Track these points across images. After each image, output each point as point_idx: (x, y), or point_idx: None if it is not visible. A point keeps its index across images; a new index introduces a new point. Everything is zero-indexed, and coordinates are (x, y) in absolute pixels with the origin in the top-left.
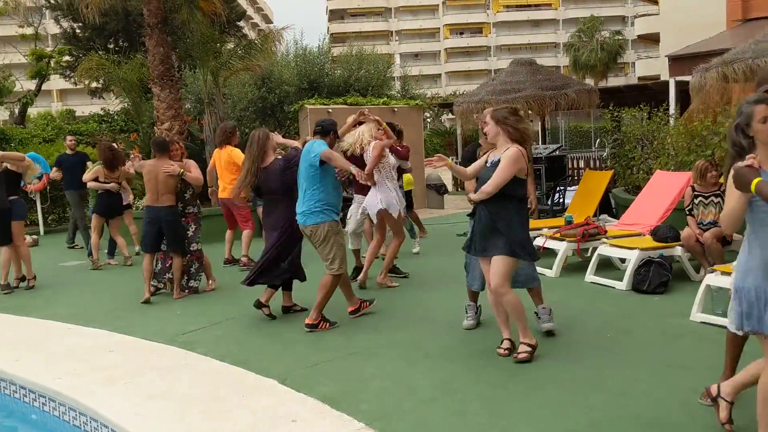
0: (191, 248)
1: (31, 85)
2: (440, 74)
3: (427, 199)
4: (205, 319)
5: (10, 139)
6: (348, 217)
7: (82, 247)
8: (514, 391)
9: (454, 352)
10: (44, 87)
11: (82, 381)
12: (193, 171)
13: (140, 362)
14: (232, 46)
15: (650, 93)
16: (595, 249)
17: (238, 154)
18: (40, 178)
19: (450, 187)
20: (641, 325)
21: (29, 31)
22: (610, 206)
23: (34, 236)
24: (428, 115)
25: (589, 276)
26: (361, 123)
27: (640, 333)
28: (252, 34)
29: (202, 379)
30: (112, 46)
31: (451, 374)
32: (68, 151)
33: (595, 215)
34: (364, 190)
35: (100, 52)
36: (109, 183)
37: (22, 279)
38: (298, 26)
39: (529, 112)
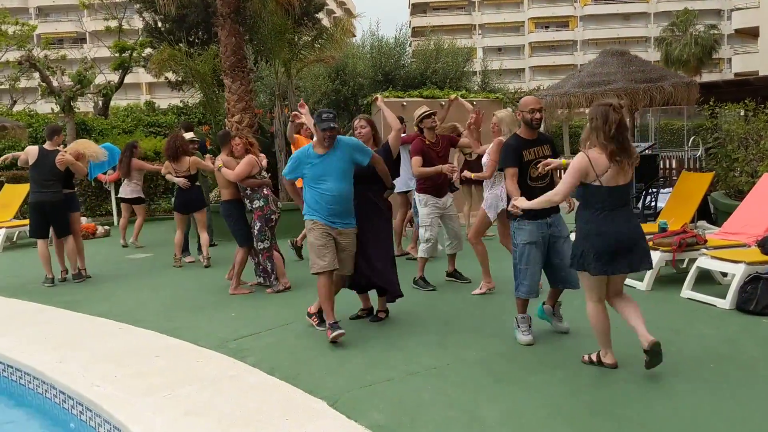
0: (257, 246)
1: (116, 77)
2: (524, 69)
3: None
4: (260, 323)
5: (90, 130)
6: (428, 224)
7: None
8: None
9: (530, 377)
10: (134, 80)
11: (120, 390)
12: (240, 168)
13: (184, 370)
14: (306, 38)
15: (751, 89)
16: (692, 261)
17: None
18: (114, 168)
19: None
20: (748, 352)
21: (114, 24)
22: (708, 212)
23: (107, 227)
24: (511, 110)
25: (686, 291)
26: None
27: (748, 362)
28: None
29: (245, 395)
30: (192, 38)
31: (525, 405)
32: None
33: (692, 221)
34: (439, 192)
35: (181, 44)
36: (178, 177)
37: (78, 274)
38: (380, 20)
39: None
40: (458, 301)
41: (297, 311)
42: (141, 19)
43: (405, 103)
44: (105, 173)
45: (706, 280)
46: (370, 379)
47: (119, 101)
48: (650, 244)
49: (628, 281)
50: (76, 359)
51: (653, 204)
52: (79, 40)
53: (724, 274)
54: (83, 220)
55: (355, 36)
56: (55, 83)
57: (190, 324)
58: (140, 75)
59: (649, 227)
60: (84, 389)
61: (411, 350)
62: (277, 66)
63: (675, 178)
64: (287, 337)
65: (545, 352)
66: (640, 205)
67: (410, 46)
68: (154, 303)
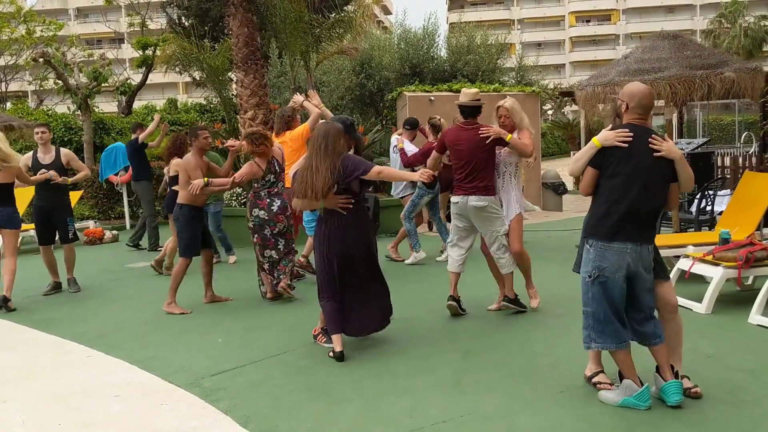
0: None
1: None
2: (564, 64)
3: (543, 199)
4: (248, 353)
5: (109, 129)
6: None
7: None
8: None
9: None
10: (171, 80)
11: None
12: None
13: (140, 419)
14: (325, 27)
15: None
16: (759, 278)
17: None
18: (126, 169)
19: (570, 186)
20: None
21: (138, 20)
22: None
23: (115, 231)
24: (549, 107)
25: (755, 316)
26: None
27: None
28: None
29: None
30: (216, 34)
31: None
32: None
33: (757, 230)
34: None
35: (206, 40)
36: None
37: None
38: (413, 12)
39: (671, 103)
40: (482, 322)
41: (296, 336)
42: (164, 14)
43: (433, 98)
44: (116, 174)
45: None
46: None
47: (156, 100)
48: (710, 258)
49: (684, 302)
50: (21, 400)
51: (710, 208)
52: (117, 40)
53: None
54: (91, 223)
55: (381, 23)
56: (72, 81)
57: (168, 352)
58: (177, 75)
59: (706, 236)
60: None
61: (419, 394)
62: (291, 58)
63: (728, 177)
64: (275, 373)
65: (583, 404)
66: (693, 209)
67: (439, 36)
68: (136, 323)
